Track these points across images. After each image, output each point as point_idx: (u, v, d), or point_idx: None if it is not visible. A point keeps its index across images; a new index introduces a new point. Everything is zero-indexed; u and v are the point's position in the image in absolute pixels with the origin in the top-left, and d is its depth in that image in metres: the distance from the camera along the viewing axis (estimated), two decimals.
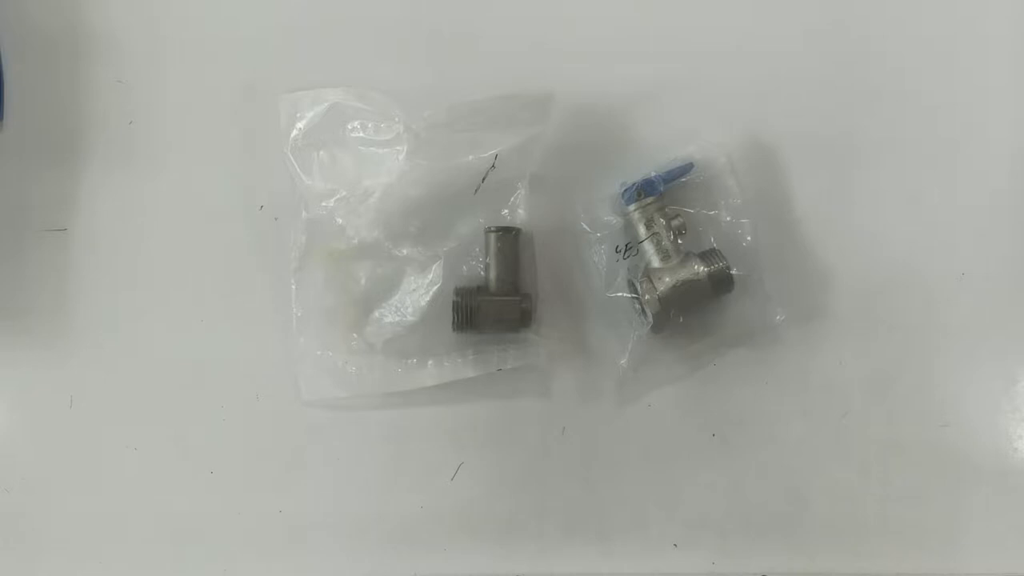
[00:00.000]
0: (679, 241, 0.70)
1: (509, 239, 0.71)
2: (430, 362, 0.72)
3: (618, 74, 0.75)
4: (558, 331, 0.73)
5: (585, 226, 0.72)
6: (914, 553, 0.71)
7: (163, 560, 0.73)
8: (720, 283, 0.70)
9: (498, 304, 0.71)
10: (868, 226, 0.74)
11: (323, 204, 0.72)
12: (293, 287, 0.73)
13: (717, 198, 0.72)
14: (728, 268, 0.70)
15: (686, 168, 0.72)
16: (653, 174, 0.71)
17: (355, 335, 0.73)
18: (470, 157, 0.71)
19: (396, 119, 0.72)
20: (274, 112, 0.73)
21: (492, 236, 0.71)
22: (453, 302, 0.71)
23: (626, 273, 0.71)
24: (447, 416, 0.73)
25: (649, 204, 0.70)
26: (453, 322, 0.71)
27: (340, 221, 0.72)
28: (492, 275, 0.71)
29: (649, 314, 0.69)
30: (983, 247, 0.74)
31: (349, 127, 0.72)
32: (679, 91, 0.75)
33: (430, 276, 0.72)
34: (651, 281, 0.69)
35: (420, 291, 0.72)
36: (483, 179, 0.72)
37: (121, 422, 0.74)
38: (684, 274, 0.69)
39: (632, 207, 0.70)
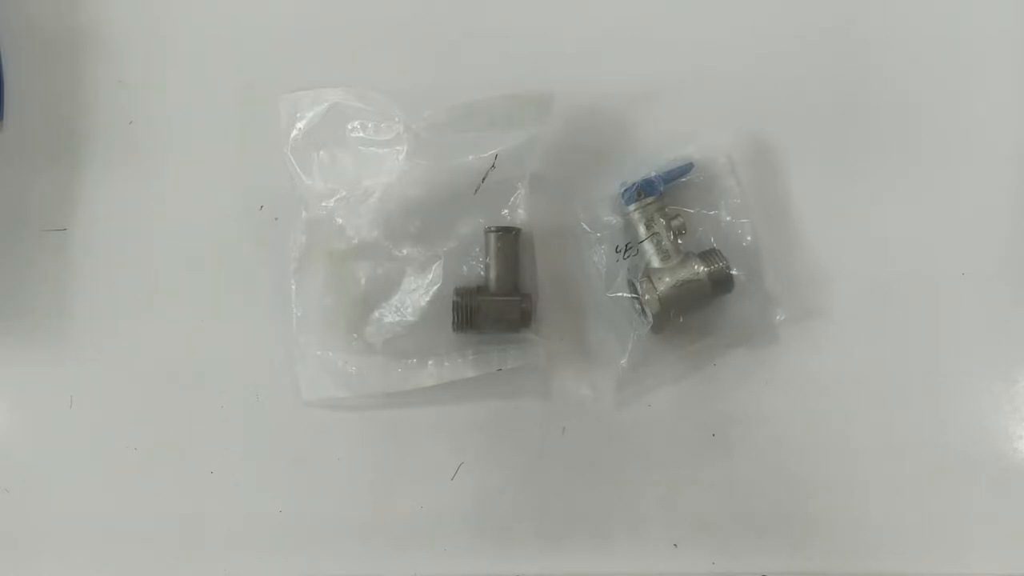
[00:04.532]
0: (679, 241, 0.70)
1: (509, 239, 0.71)
2: (430, 362, 0.72)
3: (618, 74, 0.75)
4: (558, 331, 0.73)
5: (585, 226, 0.72)
6: (914, 553, 0.71)
7: (163, 560, 0.73)
8: (720, 283, 0.70)
9: (498, 304, 0.71)
10: (868, 226, 0.74)
11: (323, 204, 0.73)
12: (293, 287, 0.73)
13: (717, 198, 0.72)
14: (728, 268, 0.70)
15: (686, 168, 0.72)
16: (653, 174, 0.71)
17: (355, 335, 0.73)
18: (470, 157, 0.71)
19: (396, 119, 0.72)
20: (274, 112, 0.73)
21: (492, 236, 0.71)
22: (453, 302, 0.71)
23: (626, 273, 0.71)
24: (447, 416, 0.73)
25: (649, 204, 0.70)
26: (453, 322, 0.71)
27: (340, 221, 0.72)
28: (492, 275, 0.71)
29: (649, 314, 0.69)
30: (983, 247, 0.74)
31: (349, 127, 0.73)
32: (679, 91, 0.75)
33: (430, 276, 0.72)
34: (651, 281, 0.69)
35: (420, 291, 0.72)
36: (483, 179, 0.72)
37: (121, 422, 0.74)
38: (684, 274, 0.69)
39: (632, 207, 0.70)
